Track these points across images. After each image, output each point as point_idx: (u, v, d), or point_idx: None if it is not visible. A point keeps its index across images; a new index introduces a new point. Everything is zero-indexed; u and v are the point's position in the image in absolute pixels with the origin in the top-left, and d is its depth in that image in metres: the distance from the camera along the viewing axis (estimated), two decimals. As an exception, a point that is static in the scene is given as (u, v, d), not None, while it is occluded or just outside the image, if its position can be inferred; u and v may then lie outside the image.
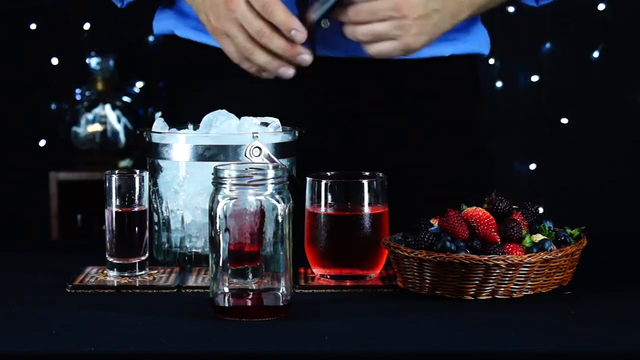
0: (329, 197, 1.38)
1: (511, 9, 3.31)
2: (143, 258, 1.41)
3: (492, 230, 1.31)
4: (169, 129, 1.49)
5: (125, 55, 3.28)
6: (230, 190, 1.21)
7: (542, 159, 3.39)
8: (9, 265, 1.49)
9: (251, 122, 1.46)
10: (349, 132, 1.65)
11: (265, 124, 1.46)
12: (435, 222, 1.36)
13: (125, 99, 3.25)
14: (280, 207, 1.22)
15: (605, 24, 3.33)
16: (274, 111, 1.52)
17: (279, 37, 1.47)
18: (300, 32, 1.46)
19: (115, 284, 1.36)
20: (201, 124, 1.49)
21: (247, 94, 1.62)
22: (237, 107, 1.50)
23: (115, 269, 1.40)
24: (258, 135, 1.42)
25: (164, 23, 1.71)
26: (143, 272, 1.41)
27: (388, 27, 1.48)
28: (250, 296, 1.22)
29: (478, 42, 1.72)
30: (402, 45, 1.49)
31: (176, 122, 1.53)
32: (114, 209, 1.39)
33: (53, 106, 3.35)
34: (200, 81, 1.68)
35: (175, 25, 1.68)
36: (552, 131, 3.38)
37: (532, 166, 3.38)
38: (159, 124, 1.49)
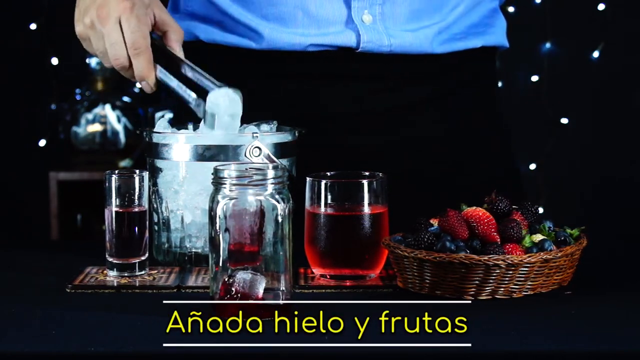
0: (329, 197, 1.38)
1: (511, 9, 3.31)
2: (143, 258, 1.41)
3: (492, 230, 1.31)
4: (170, 129, 1.49)
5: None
6: (230, 190, 1.21)
7: (542, 159, 3.38)
8: (8, 265, 1.49)
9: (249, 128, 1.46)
10: (349, 132, 1.64)
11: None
12: (435, 222, 1.36)
13: (125, 99, 3.25)
14: (280, 207, 1.22)
15: (605, 24, 3.33)
16: (275, 111, 1.51)
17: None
18: (149, 88, 1.46)
19: (115, 284, 1.36)
20: (201, 124, 1.49)
21: (248, 93, 1.61)
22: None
23: (115, 269, 1.40)
24: (258, 135, 1.42)
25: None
26: (143, 272, 1.40)
27: None
28: (250, 296, 1.22)
29: (501, 33, 1.71)
30: None
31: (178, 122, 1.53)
32: (114, 209, 1.39)
33: (53, 106, 3.34)
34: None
35: (195, 27, 1.66)
36: (552, 131, 3.38)
37: (532, 166, 3.38)
38: (161, 124, 1.49)
